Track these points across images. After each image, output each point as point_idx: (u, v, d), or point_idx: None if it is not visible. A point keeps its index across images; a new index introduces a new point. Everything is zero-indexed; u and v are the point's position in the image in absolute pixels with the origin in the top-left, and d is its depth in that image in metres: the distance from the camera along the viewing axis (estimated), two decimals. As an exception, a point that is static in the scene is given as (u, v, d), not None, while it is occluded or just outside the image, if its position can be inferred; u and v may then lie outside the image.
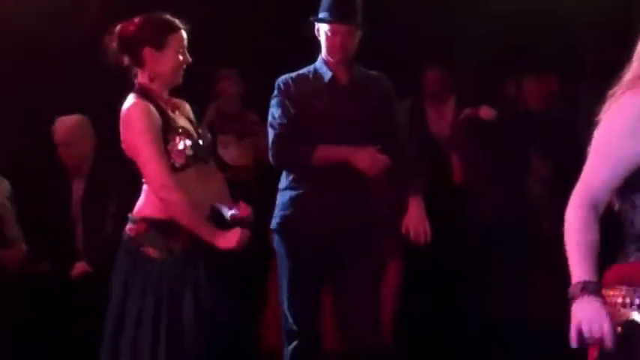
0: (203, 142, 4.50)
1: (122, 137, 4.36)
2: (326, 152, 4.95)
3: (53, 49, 6.71)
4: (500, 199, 6.59)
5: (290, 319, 5.06)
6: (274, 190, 6.01)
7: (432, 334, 6.45)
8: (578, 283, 2.81)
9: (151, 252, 4.37)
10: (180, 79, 4.45)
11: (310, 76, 5.08)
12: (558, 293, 6.31)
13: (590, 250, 2.88)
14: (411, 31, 6.19)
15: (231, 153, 7.01)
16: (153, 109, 4.30)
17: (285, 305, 5.08)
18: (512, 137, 6.65)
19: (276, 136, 5.05)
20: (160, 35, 4.37)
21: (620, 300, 2.95)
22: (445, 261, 6.52)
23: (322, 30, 4.98)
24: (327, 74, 5.03)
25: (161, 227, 4.37)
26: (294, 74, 5.09)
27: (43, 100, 6.77)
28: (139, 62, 4.37)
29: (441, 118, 7.08)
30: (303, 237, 5.03)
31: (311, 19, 5.02)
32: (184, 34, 4.42)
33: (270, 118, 5.11)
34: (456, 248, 6.62)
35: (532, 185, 6.73)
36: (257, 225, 5.36)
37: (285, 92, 5.05)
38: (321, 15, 4.95)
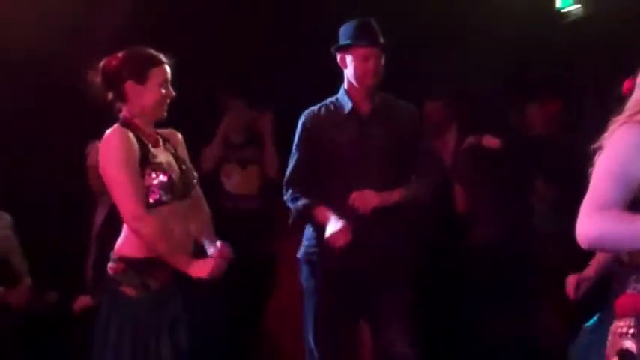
0: (183, 178, 4.38)
1: (100, 164, 4.28)
2: (314, 214, 4.84)
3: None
4: (506, 225, 6.34)
5: (316, 357, 4.99)
6: (280, 218, 5.97)
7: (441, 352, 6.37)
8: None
9: (128, 291, 4.30)
10: (165, 113, 4.37)
11: (332, 107, 5.01)
12: (560, 317, 6.34)
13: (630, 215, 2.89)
14: (413, 62, 6.20)
15: (234, 182, 6.85)
16: (132, 138, 4.23)
17: (312, 343, 4.97)
18: (517, 164, 6.42)
19: (286, 182, 5.05)
20: (142, 69, 4.30)
21: (621, 329, 2.96)
22: (449, 287, 6.43)
23: (350, 58, 4.86)
24: (348, 105, 4.94)
25: (138, 266, 4.29)
26: (316, 107, 5.04)
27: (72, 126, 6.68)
28: (122, 97, 4.29)
29: (443, 148, 6.95)
30: (330, 270, 4.94)
31: (338, 46, 4.91)
32: (168, 68, 4.35)
33: (292, 153, 5.09)
34: (461, 274, 6.49)
35: (538, 210, 6.46)
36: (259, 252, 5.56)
37: (307, 129, 5.01)
38: (350, 41, 4.87)
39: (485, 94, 6.88)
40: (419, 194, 5.02)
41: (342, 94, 5.01)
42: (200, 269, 4.27)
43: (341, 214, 4.83)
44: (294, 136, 5.35)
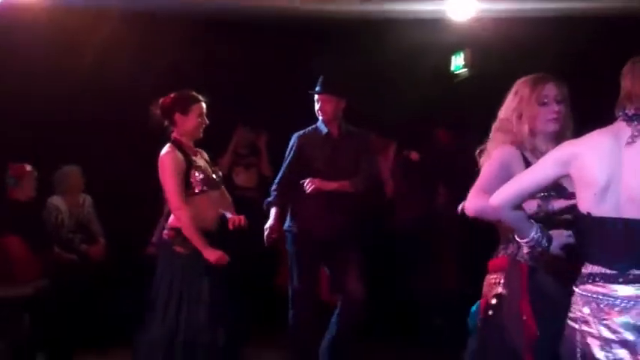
0: (215, 176, 5.21)
1: (159, 172, 5.09)
2: (270, 210, 5.94)
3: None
4: (420, 209, 7.47)
5: (296, 291, 5.90)
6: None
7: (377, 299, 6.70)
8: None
9: (178, 249, 5.11)
10: (201, 135, 5.18)
11: (314, 131, 5.98)
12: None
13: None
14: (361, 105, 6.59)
15: (240, 179, 8.08)
16: (179, 154, 5.04)
17: (295, 282, 5.93)
18: (428, 170, 7.56)
19: (276, 181, 6.06)
20: (186, 105, 5.14)
21: (494, 280, 3.59)
22: (381, 254, 7.31)
23: (315, 100, 5.91)
24: (324, 130, 5.96)
25: (180, 234, 5.09)
26: (302, 132, 6.03)
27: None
28: (173, 123, 5.14)
29: (386, 159, 7.80)
30: (301, 239, 5.93)
31: (310, 92, 5.93)
32: (204, 104, 5.16)
33: (284, 161, 6.05)
34: (388, 245, 7.53)
35: (438, 203, 7.51)
36: (260, 225, 6.04)
37: (295, 146, 5.98)
38: (312, 91, 5.93)
39: (407, 126, 7.80)
40: (356, 186, 5.88)
41: (319, 123, 5.99)
42: (211, 254, 5.02)
43: (312, 204, 5.79)
44: (281, 149, 6.28)
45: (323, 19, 7.33)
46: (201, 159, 5.19)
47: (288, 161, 6.04)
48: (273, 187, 6.10)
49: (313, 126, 6.02)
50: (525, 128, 3.57)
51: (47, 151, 7.12)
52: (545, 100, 3.59)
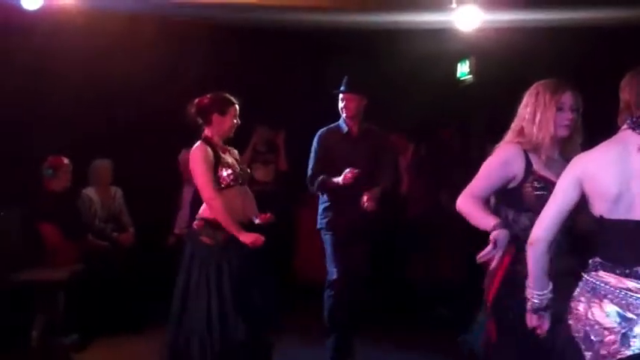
0: (241, 172, 5.23)
1: (190, 165, 5.17)
2: (327, 182, 5.92)
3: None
4: (429, 204, 7.71)
5: (333, 272, 5.94)
6: (289, 197, 7.50)
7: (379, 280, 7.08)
8: (496, 223, 3.61)
9: (205, 239, 5.14)
10: (232, 134, 5.28)
11: (336, 129, 6.07)
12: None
13: (483, 211, 3.70)
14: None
15: (259, 174, 8.17)
16: (209, 150, 5.08)
17: (331, 266, 5.99)
18: (439, 167, 7.77)
19: (308, 179, 6.07)
20: (224, 106, 5.21)
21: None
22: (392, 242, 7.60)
23: (339, 99, 6.01)
24: (345, 128, 6.05)
25: (211, 225, 5.12)
26: (325, 129, 6.11)
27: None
28: (208, 122, 5.19)
29: (404, 159, 8.12)
30: (333, 229, 6.02)
31: (333, 93, 6.02)
32: (237, 106, 5.23)
33: (310, 159, 6.09)
34: (400, 234, 7.80)
35: (444, 194, 7.55)
36: (279, 215, 5.81)
37: (319, 142, 6.07)
38: (336, 90, 6.02)
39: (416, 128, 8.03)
40: (386, 188, 6.03)
41: (341, 121, 6.06)
42: (247, 238, 5.05)
43: (338, 198, 5.95)
44: (298, 147, 6.61)
45: (338, 29, 7.59)
46: (229, 156, 5.23)
47: (315, 158, 6.09)
48: (311, 182, 6.12)
49: (335, 124, 6.13)
50: (537, 129, 3.68)
51: (83, 147, 7.32)
52: (562, 107, 3.69)
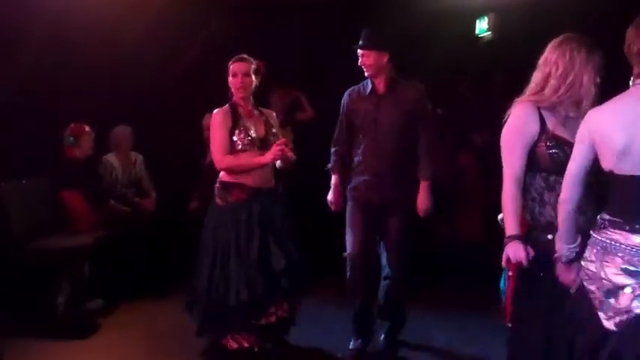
0: (264, 138, 5.22)
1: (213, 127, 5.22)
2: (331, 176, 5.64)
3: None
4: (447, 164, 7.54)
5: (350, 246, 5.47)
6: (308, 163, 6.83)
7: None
8: (510, 235, 3.57)
9: (218, 200, 5.32)
10: (249, 93, 5.28)
11: (361, 88, 5.58)
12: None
13: (516, 214, 3.59)
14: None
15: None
16: (228, 113, 5.17)
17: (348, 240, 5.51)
18: (453, 124, 7.67)
19: (333, 141, 5.72)
20: (230, 66, 5.27)
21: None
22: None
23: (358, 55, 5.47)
24: (369, 87, 5.53)
25: (224, 186, 5.28)
26: (351, 89, 5.65)
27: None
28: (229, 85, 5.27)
29: None
30: (356, 201, 5.57)
31: (353, 47, 5.47)
32: (247, 64, 5.25)
33: (338, 121, 5.68)
34: None
35: (463, 155, 7.61)
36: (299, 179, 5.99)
37: (343, 104, 5.64)
38: (354, 46, 5.48)
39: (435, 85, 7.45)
40: (433, 176, 5.48)
41: (367, 79, 5.55)
42: (266, 157, 5.13)
43: (364, 164, 5.47)
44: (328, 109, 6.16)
45: None
46: (252, 120, 5.25)
47: (340, 119, 5.70)
48: (332, 147, 5.80)
49: (363, 82, 5.66)
50: (566, 89, 3.60)
51: (104, 113, 7.33)
52: (598, 67, 3.64)
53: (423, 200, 5.47)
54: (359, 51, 5.48)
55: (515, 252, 3.52)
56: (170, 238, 7.32)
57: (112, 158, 7.45)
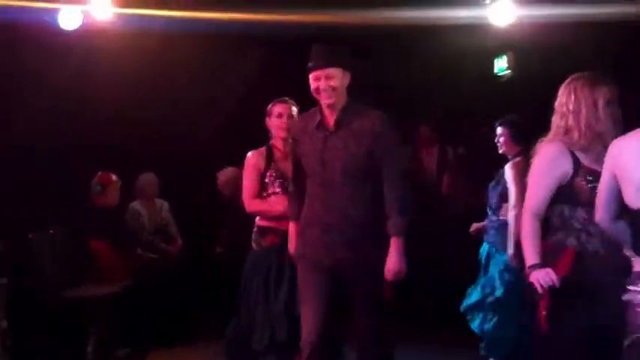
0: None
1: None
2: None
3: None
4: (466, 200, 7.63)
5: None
6: None
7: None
8: (532, 265, 3.60)
9: (254, 245, 5.22)
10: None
11: (309, 118, 4.46)
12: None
13: (536, 246, 3.62)
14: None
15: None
16: (261, 155, 5.09)
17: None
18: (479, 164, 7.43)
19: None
20: (268, 108, 5.22)
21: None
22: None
23: (310, 78, 4.38)
24: (317, 118, 4.39)
25: (259, 230, 5.19)
26: (302, 115, 4.70)
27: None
28: (268, 128, 5.23)
29: (431, 156, 8.09)
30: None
31: (307, 69, 4.38)
32: (286, 105, 5.15)
33: None
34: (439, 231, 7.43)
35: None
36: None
37: (293, 130, 4.70)
38: (307, 65, 4.38)
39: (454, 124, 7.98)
40: (403, 230, 4.29)
41: (315, 109, 4.43)
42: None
43: (311, 212, 4.42)
44: None
45: (377, 25, 7.44)
46: (289, 164, 4.80)
47: (291, 149, 4.74)
48: (289, 188, 4.80)
49: (310, 111, 4.57)
50: (584, 127, 3.62)
51: (131, 160, 7.38)
52: (600, 101, 3.64)
53: (392, 261, 4.25)
54: (316, 73, 4.32)
55: (543, 277, 3.53)
56: (198, 283, 7.26)
57: (137, 206, 7.46)
